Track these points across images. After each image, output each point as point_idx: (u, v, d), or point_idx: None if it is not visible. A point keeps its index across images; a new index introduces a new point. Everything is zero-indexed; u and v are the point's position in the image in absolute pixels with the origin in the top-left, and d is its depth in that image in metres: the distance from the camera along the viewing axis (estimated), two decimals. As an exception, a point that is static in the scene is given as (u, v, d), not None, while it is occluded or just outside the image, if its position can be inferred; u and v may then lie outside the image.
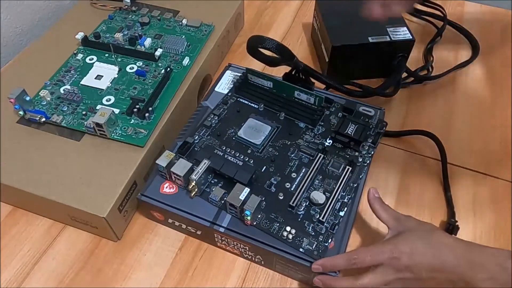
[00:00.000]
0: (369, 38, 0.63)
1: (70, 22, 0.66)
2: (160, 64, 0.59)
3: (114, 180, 0.48)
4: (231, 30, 0.70)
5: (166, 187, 0.48)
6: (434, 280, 0.39)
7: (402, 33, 0.64)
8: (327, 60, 0.65)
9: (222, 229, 0.45)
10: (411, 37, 0.63)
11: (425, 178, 0.56)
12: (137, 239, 0.50)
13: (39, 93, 0.54)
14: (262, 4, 0.81)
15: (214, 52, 0.64)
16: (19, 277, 0.47)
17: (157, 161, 0.47)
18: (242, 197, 0.44)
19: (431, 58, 0.70)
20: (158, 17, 0.66)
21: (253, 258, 0.47)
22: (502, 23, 0.78)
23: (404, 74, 0.66)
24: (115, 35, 0.62)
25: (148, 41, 0.61)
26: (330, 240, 0.44)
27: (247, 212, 0.43)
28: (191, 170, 0.47)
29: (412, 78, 0.67)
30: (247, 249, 0.46)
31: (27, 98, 0.51)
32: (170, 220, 0.49)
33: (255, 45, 0.52)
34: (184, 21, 0.65)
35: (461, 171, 0.57)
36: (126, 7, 0.67)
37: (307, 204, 0.46)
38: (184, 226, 0.48)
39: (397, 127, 0.61)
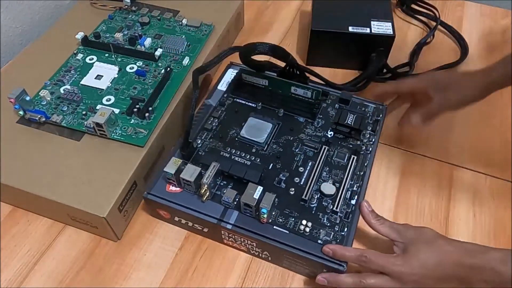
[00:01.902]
0: (349, 28, 0.63)
1: (70, 22, 0.66)
2: (160, 64, 0.59)
3: (114, 180, 0.48)
4: (231, 30, 0.70)
5: (172, 186, 0.48)
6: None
7: (384, 28, 0.64)
8: (307, 45, 0.66)
9: (229, 226, 0.45)
10: (391, 33, 0.63)
11: (425, 178, 0.56)
12: (137, 239, 0.50)
13: (39, 93, 0.54)
14: (262, 4, 0.81)
15: (214, 52, 0.64)
16: (19, 277, 0.47)
17: (165, 169, 0.47)
18: (256, 196, 0.44)
19: (415, 57, 0.70)
20: (158, 17, 0.66)
21: (260, 254, 0.47)
22: (502, 23, 0.78)
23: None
24: (115, 35, 0.62)
25: (148, 41, 0.61)
26: (346, 228, 0.45)
27: (264, 210, 0.44)
28: (200, 175, 0.47)
29: (390, 74, 0.67)
30: (254, 245, 0.46)
31: (27, 98, 0.51)
32: (176, 218, 0.49)
33: (248, 55, 0.53)
34: (184, 21, 0.65)
35: (461, 171, 0.57)
36: (126, 7, 0.67)
37: (318, 196, 0.47)
38: (190, 224, 0.49)
39: (397, 125, 0.61)
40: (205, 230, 0.48)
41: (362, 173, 0.50)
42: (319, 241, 0.44)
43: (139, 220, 0.52)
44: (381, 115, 0.55)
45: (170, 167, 0.47)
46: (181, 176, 0.46)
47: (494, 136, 0.61)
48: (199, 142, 0.52)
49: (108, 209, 0.46)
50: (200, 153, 0.51)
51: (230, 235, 0.47)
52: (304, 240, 0.44)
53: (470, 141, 0.60)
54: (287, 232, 0.45)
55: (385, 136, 0.60)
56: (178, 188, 0.48)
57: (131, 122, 0.52)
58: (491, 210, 0.53)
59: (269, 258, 0.48)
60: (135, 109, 0.53)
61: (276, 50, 0.52)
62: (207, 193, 0.46)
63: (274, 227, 0.45)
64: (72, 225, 0.50)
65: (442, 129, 0.61)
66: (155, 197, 0.48)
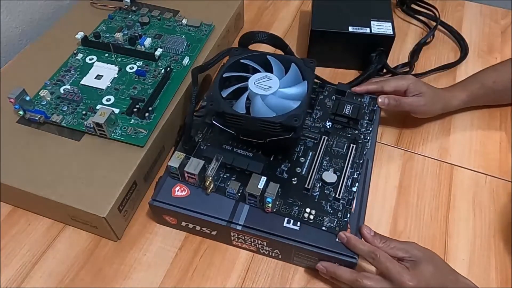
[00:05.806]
0: (350, 28, 0.64)
1: (70, 22, 0.66)
2: (160, 64, 0.59)
3: (114, 180, 0.48)
4: (231, 30, 0.70)
5: (178, 191, 0.48)
6: None
7: (384, 28, 0.64)
8: (307, 44, 0.66)
9: (239, 227, 0.46)
10: (391, 33, 0.63)
11: (425, 178, 0.56)
12: (137, 239, 0.50)
13: (39, 93, 0.54)
14: (262, 4, 0.81)
15: (214, 52, 0.64)
16: (19, 277, 0.47)
17: (169, 163, 0.47)
18: (260, 186, 0.45)
19: (415, 57, 0.70)
20: (158, 17, 0.66)
21: (270, 253, 0.48)
22: (502, 23, 0.78)
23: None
24: (115, 35, 0.62)
25: (148, 41, 0.61)
26: (348, 215, 0.46)
27: (269, 200, 0.44)
28: (204, 168, 0.47)
29: (390, 74, 0.67)
30: (265, 244, 0.46)
31: (27, 98, 0.51)
32: (183, 223, 0.49)
33: (247, 43, 0.53)
34: (184, 21, 0.65)
35: (461, 171, 0.57)
36: (126, 7, 0.67)
37: (320, 185, 0.48)
38: (198, 228, 0.48)
39: (397, 126, 0.61)
40: (214, 233, 0.48)
41: (361, 161, 0.50)
42: (323, 228, 0.45)
43: (139, 220, 0.52)
44: (377, 105, 0.56)
45: (174, 161, 0.47)
46: (185, 169, 0.47)
47: (494, 136, 0.61)
48: (200, 136, 0.52)
49: (108, 209, 0.46)
50: (201, 147, 0.51)
51: (239, 236, 0.47)
52: (314, 236, 0.44)
53: (470, 141, 0.60)
54: (297, 228, 0.45)
55: (385, 136, 0.60)
56: (184, 193, 0.48)
57: (131, 122, 0.52)
58: (491, 210, 0.53)
59: (280, 256, 0.48)
60: (135, 109, 0.53)
61: (274, 40, 0.53)
62: (212, 185, 0.47)
63: (284, 224, 0.45)
64: (72, 225, 0.51)
65: (442, 129, 0.61)
66: (161, 203, 0.47)
